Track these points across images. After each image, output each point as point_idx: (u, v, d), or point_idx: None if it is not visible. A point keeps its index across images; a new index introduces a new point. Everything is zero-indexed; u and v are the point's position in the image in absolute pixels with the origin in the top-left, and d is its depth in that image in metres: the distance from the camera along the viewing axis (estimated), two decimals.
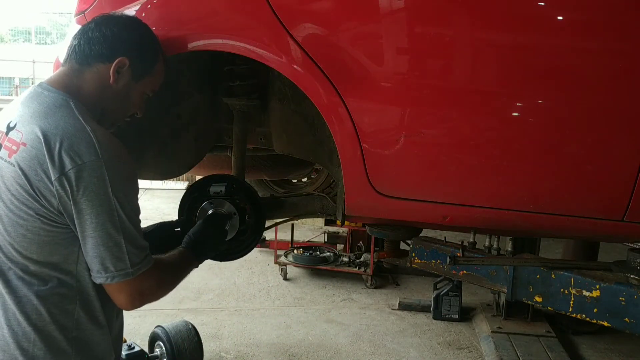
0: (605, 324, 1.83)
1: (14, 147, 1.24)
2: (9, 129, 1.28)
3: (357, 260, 5.07)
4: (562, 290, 1.89)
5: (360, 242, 5.28)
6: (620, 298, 1.78)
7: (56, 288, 1.26)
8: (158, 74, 1.50)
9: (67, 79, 1.36)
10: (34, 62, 17.87)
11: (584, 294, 1.84)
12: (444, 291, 4.31)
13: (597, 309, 1.82)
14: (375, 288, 4.97)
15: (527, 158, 1.70)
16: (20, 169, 1.21)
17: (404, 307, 4.52)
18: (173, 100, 1.99)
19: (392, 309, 4.52)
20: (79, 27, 1.89)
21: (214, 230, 1.70)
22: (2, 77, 20.08)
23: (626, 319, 1.77)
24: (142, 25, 1.49)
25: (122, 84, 1.40)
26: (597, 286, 1.82)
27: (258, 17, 1.67)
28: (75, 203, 1.20)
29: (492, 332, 3.91)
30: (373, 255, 4.87)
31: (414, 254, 2.24)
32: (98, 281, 1.26)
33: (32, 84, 18.18)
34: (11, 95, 16.62)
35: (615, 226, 1.72)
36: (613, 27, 1.60)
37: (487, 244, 2.07)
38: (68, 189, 1.20)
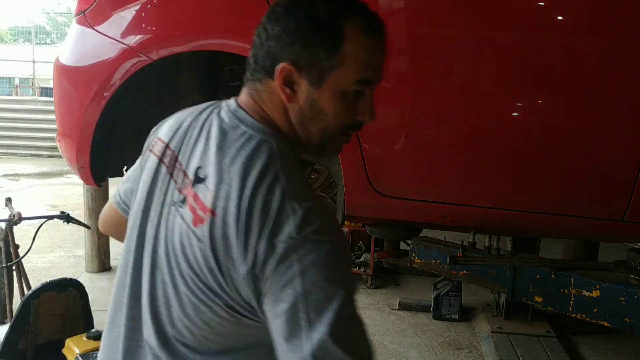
0: (605, 324, 1.83)
1: (202, 214, 0.90)
2: (198, 179, 0.94)
3: (357, 260, 5.07)
4: (562, 290, 1.89)
5: (360, 242, 5.27)
6: (620, 298, 1.78)
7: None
8: (353, 56, 0.93)
9: (253, 101, 1.00)
10: (34, 62, 17.87)
11: (584, 294, 1.84)
12: (444, 291, 4.31)
13: (597, 309, 1.82)
14: (375, 288, 4.97)
15: (527, 158, 1.70)
16: (211, 247, 0.88)
17: (404, 307, 4.52)
18: (173, 100, 1.99)
19: (392, 309, 4.51)
20: (79, 27, 1.90)
21: None
22: (2, 77, 20.09)
23: (626, 319, 1.77)
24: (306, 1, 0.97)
25: (302, 98, 0.95)
26: (597, 286, 1.82)
27: (258, 17, 1.67)
28: (271, 295, 0.84)
29: (492, 332, 3.91)
30: (373, 255, 4.87)
31: (414, 254, 2.24)
32: None
33: (32, 84, 18.21)
34: (11, 95, 16.61)
35: (615, 226, 1.72)
36: (613, 28, 1.60)
37: (487, 244, 2.07)
38: (263, 282, 0.85)
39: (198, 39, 1.70)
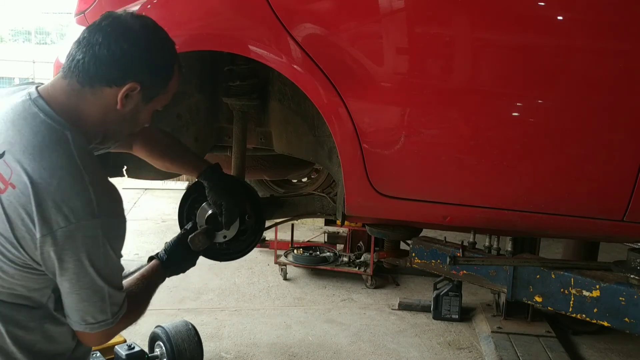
0: (605, 324, 1.83)
1: (1, 185, 1.12)
2: None
3: (357, 260, 5.07)
4: (562, 290, 1.89)
5: (360, 242, 5.27)
6: (620, 298, 1.78)
7: (21, 311, 1.20)
8: (172, 89, 1.33)
9: (66, 98, 1.20)
10: (34, 62, 17.87)
11: (584, 294, 1.84)
12: (444, 291, 4.31)
13: (597, 309, 1.82)
14: (375, 288, 4.97)
15: (527, 158, 1.70)
16: (5, 213, 1.11)
17: (404, 307, 4.52)
18: (173, 100, 1.99)
19: (392, 309, 4.51)
20: (79, 27, 1.90)
21: (193, 256, 1.63)
22: (2, 77, 20.07)
23: (626, 319, 1.77)
24: (157, 36, 1.27)
25: (129, 107, 1.25)
26: (597, 286, 1.82)
27: (258, 17, 1.67)
28: (61, 261, 1.13)
29: (492, 332, 3.91)
30: (373, 255, 4.87)
31: (414, 254, 2.24)
32: (76, 328, 1.23)
33: None
34: None
35: (615, 226, 1.72)
36: (613, 27, 1.60)
37: (487, 244, 2.07)
38: (54, 247, 1.11)
39: (199, 39, 1.70)
